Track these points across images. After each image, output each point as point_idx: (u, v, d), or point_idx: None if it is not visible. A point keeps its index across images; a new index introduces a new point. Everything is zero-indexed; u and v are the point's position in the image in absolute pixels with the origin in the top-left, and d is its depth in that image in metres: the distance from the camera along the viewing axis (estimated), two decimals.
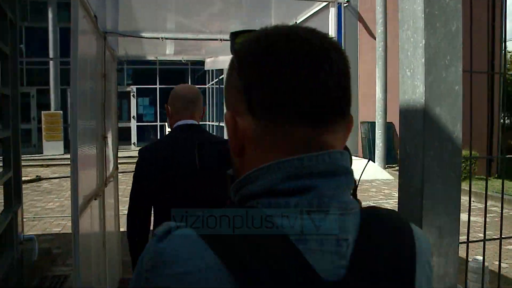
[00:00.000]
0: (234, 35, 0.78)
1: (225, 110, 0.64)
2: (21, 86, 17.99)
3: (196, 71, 19.23)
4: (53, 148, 15.75)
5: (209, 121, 18.29)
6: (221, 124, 15.42)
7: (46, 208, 8.19)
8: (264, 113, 0.56)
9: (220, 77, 15.29)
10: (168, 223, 0.53)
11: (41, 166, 14.34)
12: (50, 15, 16.81)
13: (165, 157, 1.88)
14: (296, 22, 3.01)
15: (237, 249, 0.49)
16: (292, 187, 0.54)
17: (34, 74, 17.90)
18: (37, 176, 11.94)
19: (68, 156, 12.01)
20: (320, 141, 0.56)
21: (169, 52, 4.34)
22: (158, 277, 0.50)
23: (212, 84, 17.38)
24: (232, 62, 0.62)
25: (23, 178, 12.95)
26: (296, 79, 0.55)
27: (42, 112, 16.14)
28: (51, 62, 16.30)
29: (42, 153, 15.78)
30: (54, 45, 16.76)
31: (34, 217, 7.39)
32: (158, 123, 18.89)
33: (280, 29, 0.60)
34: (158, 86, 18.48)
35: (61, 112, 16.21)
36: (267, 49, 0.57)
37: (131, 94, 18.32)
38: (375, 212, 0.60)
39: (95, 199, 2.69)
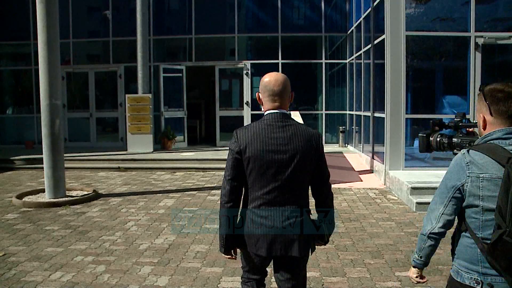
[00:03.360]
0: None
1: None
2: (107, 64, 13.83)
3: (333, 40, 13.69)
4: (139, 144, 11.90)
5: (349, 110, 12.77)
6: (366, 113, 9.85)
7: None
8: (493, 115, 1.81)
9: (367, 47, 9.62)
10: None
11: (117, 169, 10.53)
12: None
13: (256, 137, 2.27)
14: None
15: None
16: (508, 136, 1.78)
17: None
18: (94, 190, 7.88)
19: (157, 156, 10.99)
20: None
21: None
22: None
23: (352, 59, 11.80)
24: None
25: (74, 194, 7.60)
26: None
27: (126, 95, 12.20)
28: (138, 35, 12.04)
29: (126, 149, 12.07)
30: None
31: None
32: None
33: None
34: (280, 61, 13.31)
35: (150, 95, 12.25)
36: None
37: (244, 72, 13.39)
38: None
39: None
